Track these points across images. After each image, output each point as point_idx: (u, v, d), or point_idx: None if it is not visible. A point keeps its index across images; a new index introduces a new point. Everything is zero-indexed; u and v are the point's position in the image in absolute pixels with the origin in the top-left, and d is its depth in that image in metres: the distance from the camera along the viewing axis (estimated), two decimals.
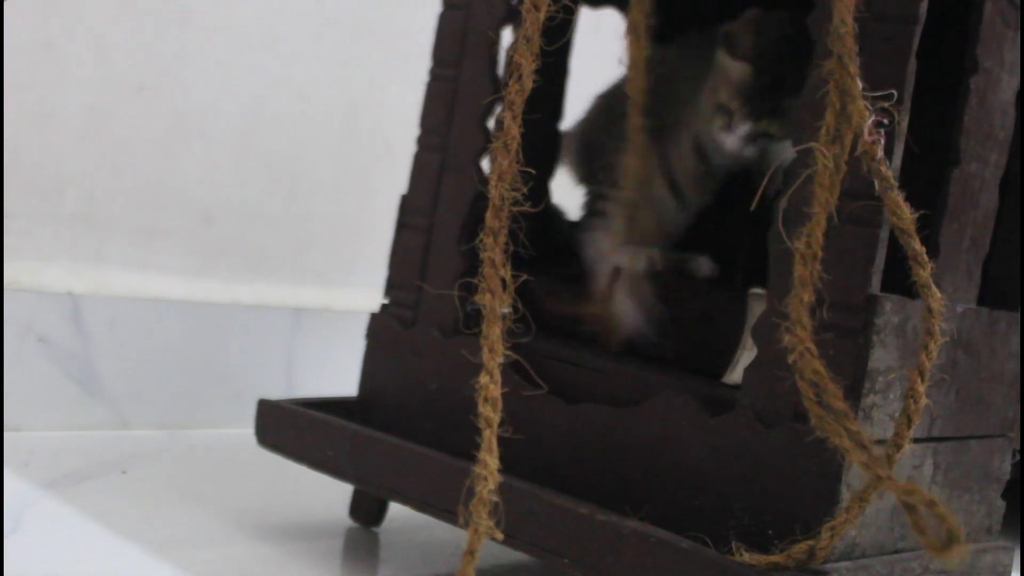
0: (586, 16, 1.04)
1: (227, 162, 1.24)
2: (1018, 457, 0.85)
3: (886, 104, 0.65)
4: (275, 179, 1.28)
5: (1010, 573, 0.85)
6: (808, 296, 0.64)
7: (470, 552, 0.62)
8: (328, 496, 0.98)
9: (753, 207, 0.68)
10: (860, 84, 0.64)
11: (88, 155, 1.14)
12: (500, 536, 0.65)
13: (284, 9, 1.26)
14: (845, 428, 0.62)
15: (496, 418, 0.64)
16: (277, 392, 1.25)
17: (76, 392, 1.12)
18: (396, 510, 0.93)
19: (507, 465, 0.76)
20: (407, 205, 0.92)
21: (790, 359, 0.66)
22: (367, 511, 0.95)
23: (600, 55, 1.23)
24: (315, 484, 0.90)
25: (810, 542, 0.68)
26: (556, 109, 1.02)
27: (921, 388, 0.67)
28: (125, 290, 1.16)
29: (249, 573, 0.83)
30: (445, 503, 0.80)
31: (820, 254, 0.64)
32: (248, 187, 1.26)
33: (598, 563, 0.72)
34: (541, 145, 1.01)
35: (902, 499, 0.59)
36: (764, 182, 0.67)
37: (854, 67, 0.60)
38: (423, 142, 0.92)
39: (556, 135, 1.02)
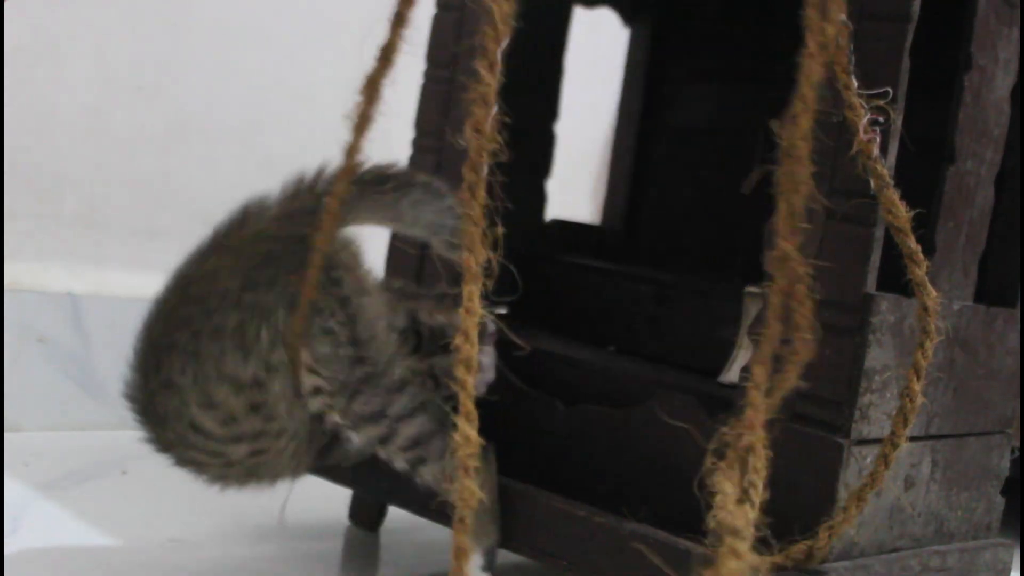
0: (580, 16, 1.04)
1: (227, 162, 1.24)
2: (1017, 454, 0.85)
3: (880, 102, 0.65)
4: (275, 179, 1.28)
5: (1010, 570, 0.85)
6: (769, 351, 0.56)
7: (460, 520, 0.59)
8: (328, 496, 0.98)
9: (746, 189, 0.66)
10: (855, 82, 0.63)
11: (88, 155, 1.14)
12: (486, 498, 0.60)
13: (284, 9, 1.26)
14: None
15: (471, 381, 0.58)
16: None
17: (76, 392, 1.12)
18: (396, 510, 0.93)
19: (505, 467, 0.76)
20: None
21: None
22: (366, 515, 0.95)
23: (596, 54, 1.23)
24: (315, 484, 0.90)
25: (808, 542, 0.68)
26: (551, 109, 1.01)
27: (917, 386, 0.66)
28: (125, 290, 1.16)
29: (249, 573, 0.83)
30: (444, 505, 0.79)
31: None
32: (248, 187, 1.26)
33: (597, 565, 0.72)
34: (536, 146, 1.01)
35: None
36: (751, 176, 0.66)
37: (827, 54, 0.57)
38: (418, 144, 0.91)
39: (551, 136, 1.02)
